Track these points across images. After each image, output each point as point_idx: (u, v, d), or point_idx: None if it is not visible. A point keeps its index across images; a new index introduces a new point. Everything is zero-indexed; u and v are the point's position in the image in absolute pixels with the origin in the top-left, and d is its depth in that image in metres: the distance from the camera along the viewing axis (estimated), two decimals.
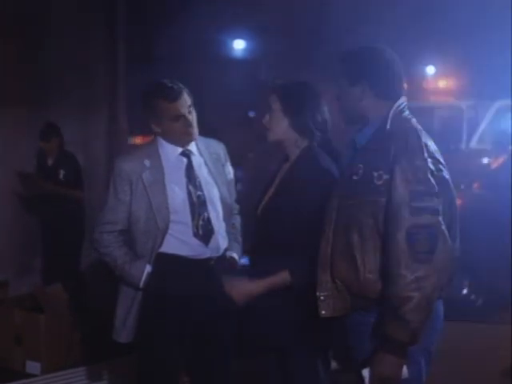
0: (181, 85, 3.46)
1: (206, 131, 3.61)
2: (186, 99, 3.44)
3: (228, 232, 3.56)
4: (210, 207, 3.47)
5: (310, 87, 3.26)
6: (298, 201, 3.08)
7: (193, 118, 3.45)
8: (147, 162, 3.44)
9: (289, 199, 3.11)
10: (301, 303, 3.03)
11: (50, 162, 6.72)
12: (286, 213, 3.09)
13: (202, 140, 3.56)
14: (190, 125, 3.44)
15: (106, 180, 6.46)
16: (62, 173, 6.63)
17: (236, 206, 3.69)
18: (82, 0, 7.27)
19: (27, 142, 6.85)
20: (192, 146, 3.52)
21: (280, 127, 3.20)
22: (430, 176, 2.61)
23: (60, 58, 7.10)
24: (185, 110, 3.42)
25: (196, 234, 3.42)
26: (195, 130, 3.47)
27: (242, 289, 3.11)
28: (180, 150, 3.49)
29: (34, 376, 5.28)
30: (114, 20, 7.60)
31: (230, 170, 3.63)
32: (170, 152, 3.49)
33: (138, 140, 10.45)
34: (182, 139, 3.47)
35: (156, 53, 10.62)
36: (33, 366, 5.33)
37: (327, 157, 3.21)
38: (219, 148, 3.63)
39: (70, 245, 6.64)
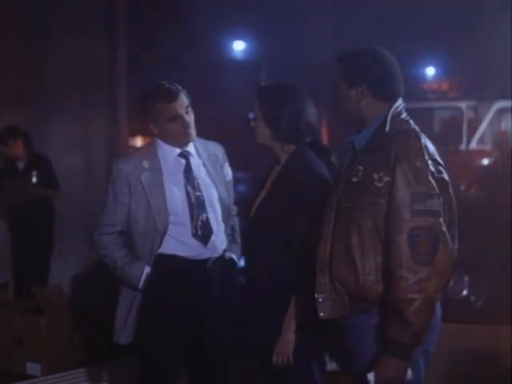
0: (178, 86, 3.46)
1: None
2: (184, 100, 3.44)
3: (227, 233, 3.56)
4: (208, 208, 3.47)
5: (292, 90, 3.22)
6: (288, 205, 3.07)
7: (190, 118, 3.45)
8: (146, 164, 3.45)
9: (280, 203, 3.10)
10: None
11: (20, 166, 6.59)
12: (277, 215, 3.09)
13: (200, 141, 3.57)
14: (187, 125, 3.44)
15: (106, 180, 6.44)
16: (34, 175, 6.50)
17: (234, 208, 3.68)
18: (82, 0, 7.26)
19: None
20: (190, 147, 3.52)
21: (264, 136, 3.20)
22: (430, 178, 2.61)
23: (60, 58, 7.09)
24: (182, 111, 3.42)
25: (195, 235, 3.43)
26: (193, 130, 3.47)
27: (281, 348, 3.08)
28: (178, 151, 3.49)
29: (35, 377, 5.29)
30: (114, 20, 7.58)
31: (228, 172, 3.63)
32: (168, 153, 3.49)
33: (137, 141, 10.44)
34: (180, 140, 3.47)
35: (156, 54, 10.61)
36: (33, 368, 5.33)
37: (317, 158, 3.19)
38: (217, 149, 3.63)
39: (43, 246, 6.57)
